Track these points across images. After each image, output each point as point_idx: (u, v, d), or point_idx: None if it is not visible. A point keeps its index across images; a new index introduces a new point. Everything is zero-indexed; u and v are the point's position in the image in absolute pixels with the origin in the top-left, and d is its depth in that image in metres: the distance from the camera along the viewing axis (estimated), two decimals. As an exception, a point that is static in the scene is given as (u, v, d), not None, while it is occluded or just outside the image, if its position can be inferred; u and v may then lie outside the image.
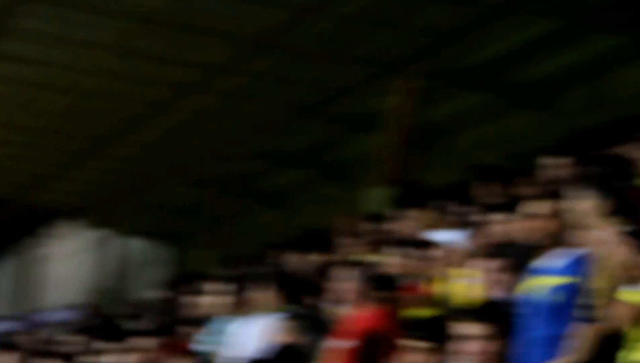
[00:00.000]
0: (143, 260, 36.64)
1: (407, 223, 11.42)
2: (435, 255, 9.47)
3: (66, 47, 20.63)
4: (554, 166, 10.69)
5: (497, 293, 7.34)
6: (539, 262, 6.81)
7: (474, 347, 5.70)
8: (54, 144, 27.88)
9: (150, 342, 8.46)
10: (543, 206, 6.63)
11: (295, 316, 8.58)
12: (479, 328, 5.74)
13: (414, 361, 6.21)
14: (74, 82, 22.40)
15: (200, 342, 8.74)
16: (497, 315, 6.22)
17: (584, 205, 6.34)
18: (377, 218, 13.80)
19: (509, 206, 8.48)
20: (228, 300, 9.00)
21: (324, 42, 19.98)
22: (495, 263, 7.68)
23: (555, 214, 6.58)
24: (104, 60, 21.15)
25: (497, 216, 8.94)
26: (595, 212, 6.34)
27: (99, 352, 11.17)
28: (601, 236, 5.67)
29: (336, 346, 7.83)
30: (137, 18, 19.13)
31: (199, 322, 10.31)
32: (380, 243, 11.57)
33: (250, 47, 20.43)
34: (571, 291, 6.41)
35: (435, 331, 6.10)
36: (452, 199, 11.38)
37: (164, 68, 21.88)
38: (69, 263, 39.84)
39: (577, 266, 6.34)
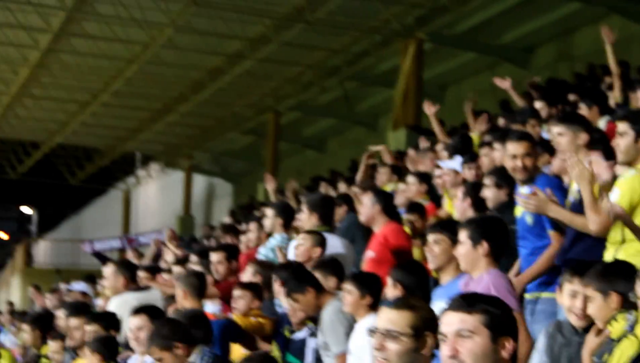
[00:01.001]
0: (212, 193, 36.74)
1: (421, 158, 11.28)
2: (438, 181, 9.26)
3: (141, 26, 20.54)
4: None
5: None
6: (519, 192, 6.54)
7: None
8: (140, 105, 28.04)
9: (218, 256, 8.31)
10: (520, 146, 6.34)
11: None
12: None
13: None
14: (153, 55, 22.37)
15: (261, 254, 8.57)
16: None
17: (563, 139, 6.08)
18: (397, 155, 13.61)
19: (499, 139, 8.31)
20: (279, 222, 8.77)
21: (343, 15, 19.75)
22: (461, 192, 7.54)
23: (530, 153, 6.31)
24: (173, 36, 21.11)
25: (484, 150, 8.80)
26: (572, 143, 6.08)
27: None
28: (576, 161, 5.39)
29: (367, 256, 7.66)
30: (195, 2, 19.03)
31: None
32: (400, 174, 11.40)
33: (283, 22, 20.30)
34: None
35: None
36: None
37: (217, 41, 21.82)
38: (158, 196, 40.08)
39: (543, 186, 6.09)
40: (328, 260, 6.94)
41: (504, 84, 11.08)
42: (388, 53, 21.10)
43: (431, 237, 5.75)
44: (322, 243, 7.37)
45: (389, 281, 5.95)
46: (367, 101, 25.63)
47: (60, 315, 9.56)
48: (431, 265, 5.81)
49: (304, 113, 27.51)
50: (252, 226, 10.11)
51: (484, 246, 5.27)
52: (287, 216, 8.84)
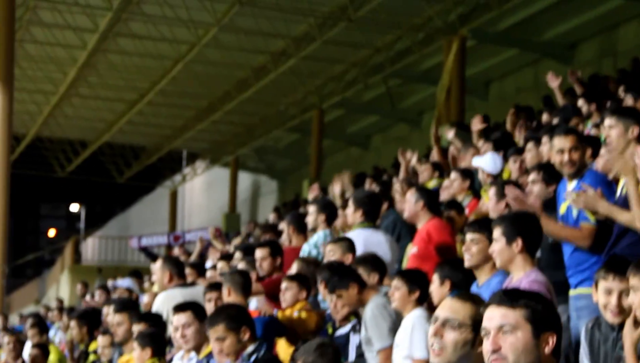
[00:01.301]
0: (257, 190, 36.88)
1: (464, 155, 11.19)
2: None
3: (187, 25, 20.70)
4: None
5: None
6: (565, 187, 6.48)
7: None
8: (186, 103, 28.27)
9: (263, 252, 8.31)
10: (567, 140, 6.27)
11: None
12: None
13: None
14: (198, 54, 22.51)
15: (304, 250, 8.59)
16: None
17: (613, 131, 6.00)
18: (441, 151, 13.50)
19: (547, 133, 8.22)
20: (321, 218, 8.78)
21: (386, 13, 19.73)
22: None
23: (577, 147, 6.24)
24: (218, 35, 21.22)
25: (529, 146, 8.69)
26: (623, 136, 6.00)
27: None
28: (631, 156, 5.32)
29: (409, 252, 7.67)
30: (240, 1, 19.13)
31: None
32: (442, 171, 11.37)
33: (327, 20, 20.31)
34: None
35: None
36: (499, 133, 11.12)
37: (262, 39, 21.90)
38: (204, 193, 40.30)
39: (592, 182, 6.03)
40: (370, 256, 6.96)
41: (554, 82, 10.91)
42: (431, 50, 21.06)
43: (469, 236, 5.76)
44: (351, 248, 7.42)
45: (435, 277, 5.94)
46: (411, 98, 25.58)
47: (107, 311, 9.64)
48: (467, 264, 5.83)
49: (347, 110, 27.53)
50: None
51: (519, 243, 5.27)
52: (329, 212, 8.87)
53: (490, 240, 5.54)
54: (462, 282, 5.79)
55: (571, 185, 6.14)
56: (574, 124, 9.35)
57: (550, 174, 6.94)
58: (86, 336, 9.96)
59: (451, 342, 3.63)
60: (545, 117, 11.83)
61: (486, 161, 9.03)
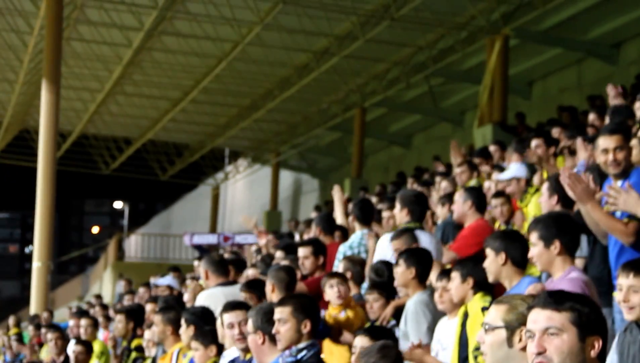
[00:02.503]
0: (299, 189, 36.94)
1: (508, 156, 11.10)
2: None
3: (230, 24, 20.78)
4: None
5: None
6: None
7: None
8: (228, 101, 28.38)
9: (305, 251, 8.26)
10: (612, 140, 6.16)
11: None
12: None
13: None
14: (241, 52, 22.59)
15: (340, 252, 8.55)
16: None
17: None
18: (483, 152, 13.43)
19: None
20: (357, 219, 8.76)
21: (429, 12, 19.66)
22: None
23: (622, 147, 6.13)
24: (261, 33, 21.28)
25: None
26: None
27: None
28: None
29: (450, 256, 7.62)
30: (284, 0, 19.17)
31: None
32: (478, 170, 11.30)
33: (370, 18, 20.28)
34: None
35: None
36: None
37: (304, 38, 21.93)
38: (246, 191, 40.44)
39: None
40: (415, 250, 6.88)
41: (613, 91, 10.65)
42: (474, 49, 20.94)
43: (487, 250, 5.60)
44: (414, 239, 7.32)
45: (455, 275, 5.87)
46: (453, 97, 25.47)
47: (150, 308, 9.68)
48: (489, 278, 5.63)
49: (389, 109, 27.47)
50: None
51: (557, 245, 5.19)
52: (365, 212, 8.83)
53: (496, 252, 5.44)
54: (485, 280, 5.72)
55: (616, 185, 6.03)
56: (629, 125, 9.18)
57: (600, 175, 6.83)
58: (130, 332, 10.02)
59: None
60: (591, 117, 11.67)
61: (513, 170, 8.92)
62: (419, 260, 6.58)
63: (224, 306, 6.58)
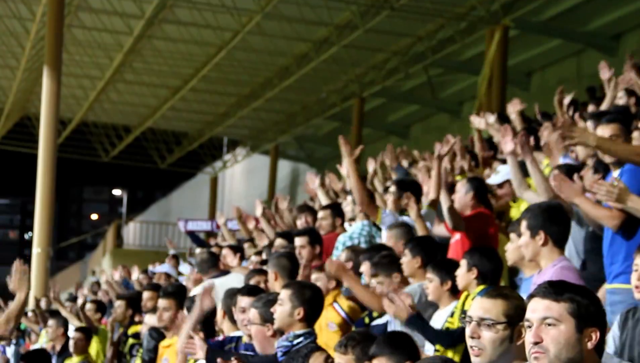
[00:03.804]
0: (296, 178, 36.94)
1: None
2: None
3: (231, 12, 20.75)
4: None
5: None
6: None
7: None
8: (228, 90, 28.34)
9: (302, 240, 8.26)
10: (609, 128, 6.19)
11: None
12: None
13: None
14: (241, 41, 22.55)
15: (339, 241, 8.55)
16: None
17: None
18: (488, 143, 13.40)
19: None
20: (359, 209, 8.76)
21: (429, 2, 19.62)
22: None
23: (619, 135, 6.14)
24: (261, 22, 21.24)
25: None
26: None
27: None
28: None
29: (453, 240, 7.62)
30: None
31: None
32: (477, 161, 11.27)
33: (370, 8, 20.25)
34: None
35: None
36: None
37: (304, 27, 21.89)
38: (244, 180, 40.46)
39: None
40: (420, 239, 6.86)
41: (606, 74, 10.69)
42: (473, 40, 20.90)
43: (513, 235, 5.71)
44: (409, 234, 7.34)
45: (463, 262, 5.88)
46: (452, 87, 25.44)
47: (147, 295, 9.57)
48: (508, 262, 5.79)
49: (388, 99, 27.44)
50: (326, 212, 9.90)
51: (542, 236, 5.15)
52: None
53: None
54: (489, 272, 5.70)
55: (615, 174, 6.03)
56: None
57: (601, 163, 6.82)
58: (128, 319, 10.01)
59: (489, 342, 3.57)
60: (590, 108, 11.65)
61: (504, 173, 8.89)
62: (425, 249, 6.54)
63: (241, 289, 6.57)
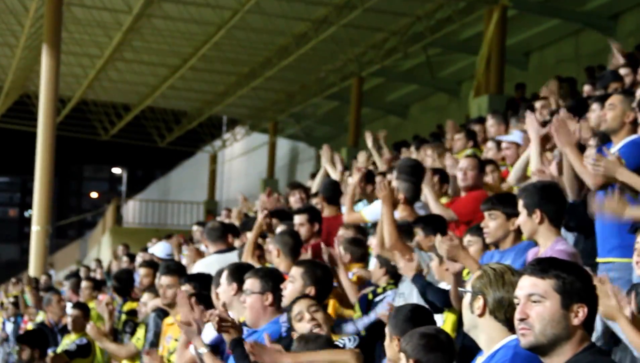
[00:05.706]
0: (296, 157, 36.92)
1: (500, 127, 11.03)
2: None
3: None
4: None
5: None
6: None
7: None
8: (227, 69, 28.29)
9: (301, 218, 8.24)
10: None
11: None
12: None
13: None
14: (240, 20, 22.49)
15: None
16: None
17: None
18: (479, 122, 13.39)
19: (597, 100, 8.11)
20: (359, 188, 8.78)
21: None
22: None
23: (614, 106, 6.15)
24: (261, 1, 21.18)
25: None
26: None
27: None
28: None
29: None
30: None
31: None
32: (475, 140, 11.28)
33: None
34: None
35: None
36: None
37: (303, 6, 21.80)
38: (243, 159, 40.44)
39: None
40: (431, 218, 6.90)
41: (620, 60, 10.67)
42: (472, 20, 20.85)
43: (486, 212, 5.73)
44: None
45: (477, 239, 5.97)
46: (450, 67, 25.40)
47: (142, 272, 9.55)
48: (488, 240, 5.78)
49: (387, 79, 27.41)
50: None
51: (538, 214, 5.16)
52: (367, 182, 8.85)
53: (507, 215, 5.58)
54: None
55: (613, 149, 6.03)
56: (614, 88, 9.22)
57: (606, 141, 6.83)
58: (120, 297, 10.04)
59: (463, 307, 3.75)
60: (587, 88, 11.67)
61: (515, 136, 8.92)
62: (436, 228, 6.49)
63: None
